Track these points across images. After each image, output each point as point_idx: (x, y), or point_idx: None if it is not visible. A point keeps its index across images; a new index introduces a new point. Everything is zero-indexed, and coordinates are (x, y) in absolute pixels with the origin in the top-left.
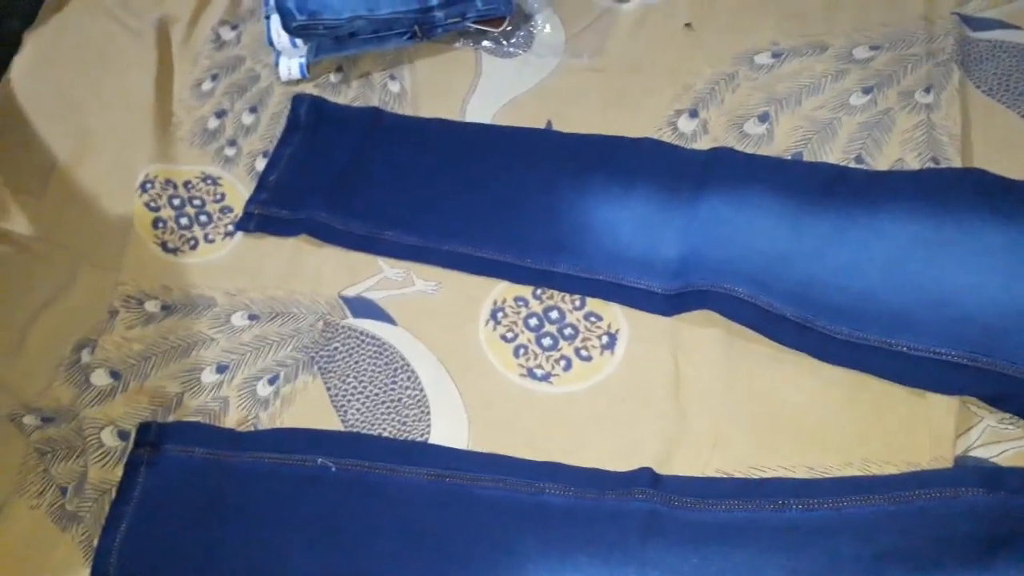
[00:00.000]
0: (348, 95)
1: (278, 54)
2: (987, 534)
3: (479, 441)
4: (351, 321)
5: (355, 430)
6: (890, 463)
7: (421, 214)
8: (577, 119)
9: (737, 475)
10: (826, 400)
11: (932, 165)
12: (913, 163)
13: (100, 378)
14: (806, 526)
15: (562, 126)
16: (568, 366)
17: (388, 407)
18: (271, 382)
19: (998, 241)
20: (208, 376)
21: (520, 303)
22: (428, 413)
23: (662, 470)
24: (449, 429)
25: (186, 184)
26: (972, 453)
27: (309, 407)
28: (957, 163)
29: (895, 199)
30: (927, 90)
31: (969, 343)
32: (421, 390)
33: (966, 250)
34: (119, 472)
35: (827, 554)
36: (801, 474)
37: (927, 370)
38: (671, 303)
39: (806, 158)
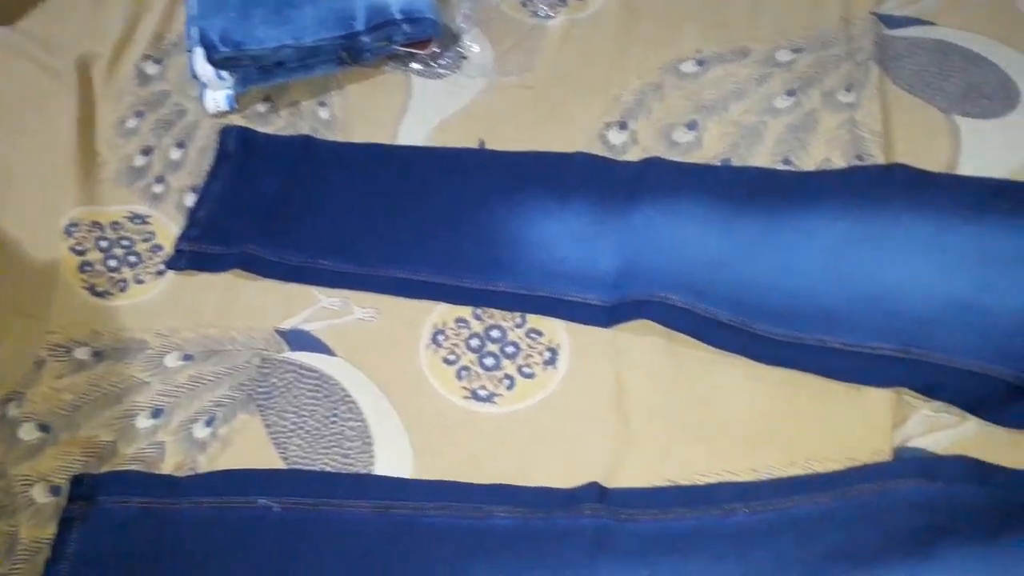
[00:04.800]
0: (278, 124)
1: (203, 87)
2: (927, 524)
3: (425, 468)
4: (289, 355)
5: (297, 467)
6: (832, 459)
7: (356, 241)
8: (509, 137)
9: (684, 483)
10: (767, 401)
11: (857, 163)
12: (839, 162)
13: (28, 432)
14: (753, 530)
15: (495, 144)
16: (512, 385)
17: (330, 440)
18: (208, 423)
19: (923, 234)
20: (143, 421)
21: (461, 324)
22: (371, 444)
23: (610, 483)
24: (393, 458)
25: (113, 225)
26: (910, 444)
27: (249, 447)
28: (881, 159)
29: (823, 198)
30: (848, 89)
31: (901, 336)
32: (363, 421)
33: (894, 244)
34: (52, 530)
35: (774, 557)
36: (746, 477)
37: (862, 364)
38: (610, 314)
39: (735, 163)
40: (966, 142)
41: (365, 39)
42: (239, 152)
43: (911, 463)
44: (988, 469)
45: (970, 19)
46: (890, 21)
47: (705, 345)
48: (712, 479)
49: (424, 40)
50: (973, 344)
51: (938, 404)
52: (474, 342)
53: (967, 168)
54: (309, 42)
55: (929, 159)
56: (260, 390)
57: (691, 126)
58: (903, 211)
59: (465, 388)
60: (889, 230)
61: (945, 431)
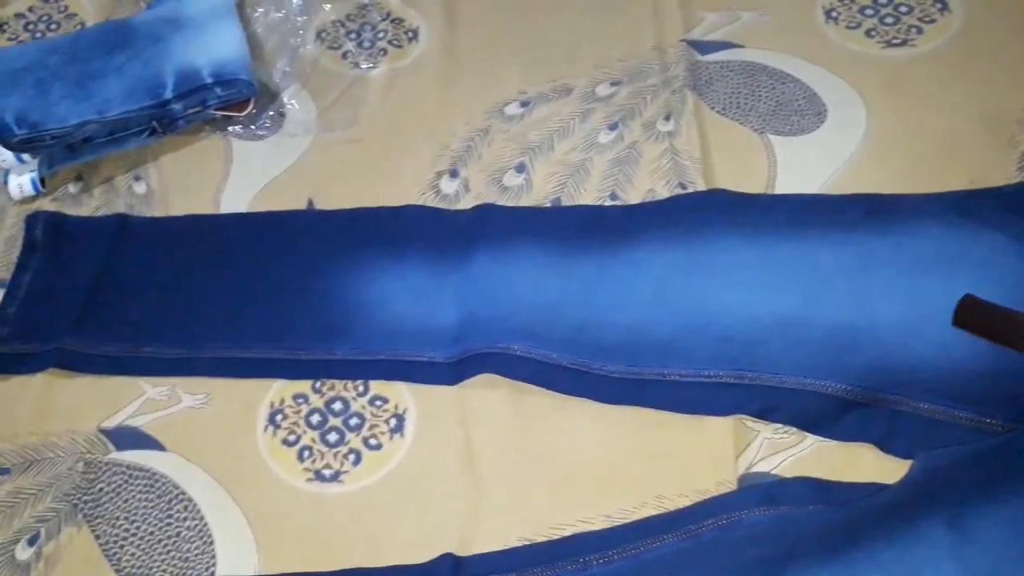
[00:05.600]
0: (91, 205)
1: (6, 172)
2: (774, 551)
3: (270, 562)
4: (115, 455)
5: None
6: (682, 495)
7: (181, 322)
8: (338, 194)
9: (540, 539)
10: (615, 442)
11: (680, 191)
12: (663, 192)
13: None
14: None
15: (324, 204)
16: (358, 460)
17: (166, 545)
18: (31, 542)
19: (746, 256)
20: None
21: (300, 400)
22: (211, 543)
23: (466, 550)
24: (236, 556)
25: None
26: (754, 469)
27: (78, 563)
28: (701, 185)
29: (650, 230)
30: (667, 118)
31: (734, 361)
32: (201, 519)
33: (719, 269)
34: None
35: None
36: (599, 525)
37: (701, 394)
38: (454, 371)
39: (564, 202)
40: (781, 160)
41: (176, 107)
42: (48, 239)
43: (753, 490)
44: (827, 486)
45: (776, 40)
46: (701, 47)
47: (551, 392)
48: (567, 531)
49: (241, 102)
50: (801, 361)
51: (777, 426)
52: (315, 418)
53: (784, 185)
54: (115, 115)
55: (748, 180)
56: (86, 498)
57: (520, 169)
58: (725, 235)
59: (308, 469)
60: (713, 255)
61: (786, 452)
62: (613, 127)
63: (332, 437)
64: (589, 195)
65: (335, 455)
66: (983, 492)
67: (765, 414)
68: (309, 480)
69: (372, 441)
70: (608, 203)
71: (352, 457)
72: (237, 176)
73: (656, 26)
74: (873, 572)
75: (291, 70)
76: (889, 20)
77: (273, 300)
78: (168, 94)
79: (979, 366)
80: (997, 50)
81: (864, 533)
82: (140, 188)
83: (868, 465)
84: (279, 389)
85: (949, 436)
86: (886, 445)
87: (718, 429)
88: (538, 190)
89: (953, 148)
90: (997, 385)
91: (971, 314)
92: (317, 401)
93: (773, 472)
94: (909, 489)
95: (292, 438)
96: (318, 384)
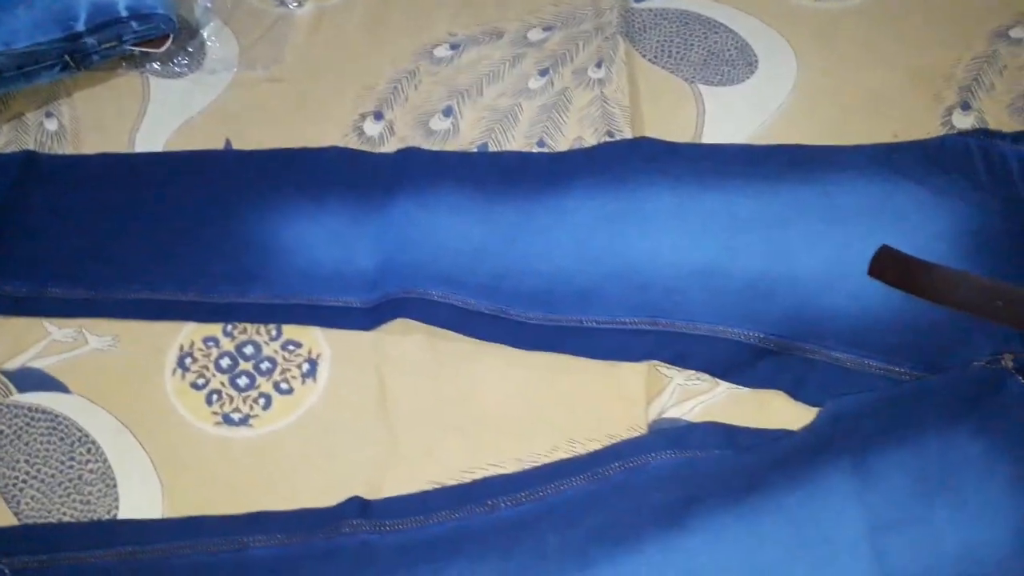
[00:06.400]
0: (0, 141)
1: None
2: (679, 494)
3: (176, 506)
4: (16, 398)
5: (30, 521)
6: (594, 439)
7: (89, 263)
8: (258, 135)
9: (450, 483)
10: (529, 387)
11: (608, 139)
12: (591, 139)
13: None
14: (514, 523)
15: (242, 144)
16: (268, 404)
17: (67, 487)
18: None
19: (668, 204)
20: None
21: (210, 344)
22: (114, 486)
23: (376, 494)
24: (140, 499)
25: None
26: (666, 415)
27: None
28: (628, 134)
29: (575, 178)
30: (599, 65)
31: (650, 308)
32: (104, 461)
33: (642, 218)
34: None
35: (535, 547)
36: (511, 468)
37: (616, 341)
38: (370, 317)
39: (491, 148)
40: (709, 110)
41: (89, 40)
42: None
43: (661, 435)
44: (734, 432)
45: None
46: None
47: (467, 337)
48: (478, 475)
49: (158, 37)
50: (717, 309)
51: (690, 372)
52: (224, 362)
53: (711, 136)
54: (22, 47)
55: (675, 129)
56: None
57: (447, 112)
58: (649, 184)
59: (216, 413)
60: (636, 204)
61: (698, 399)
62: (544, 72)
63: (242, 381)
64: (517, 141)
65: (244, 399)
66: (887, 438)
67: (678, 360)
68: (217, 424)
69: (283, 386)
70: (535, 150)
71: (262, 401)
72: (153, 114)
73: None
74: (777, 516)
75: (213, 6)
76: None
77: (186, 242)
78: (80, 27)
79: (891, 316)
80: (928, 7)
81: (768, 478)
82: (51, 125)
83: (778, 412)
84: (190, 332)
85: (859, 385)
86: (797, 393)
87: (632, 375)
88: (465, 135)
89: (880, 102)
90: (908, 335)
91: (887, 265)
92: (228, 345)
93: (684, 418)
94: (814, 435)
95: (201, 381)
96: (230, 328)
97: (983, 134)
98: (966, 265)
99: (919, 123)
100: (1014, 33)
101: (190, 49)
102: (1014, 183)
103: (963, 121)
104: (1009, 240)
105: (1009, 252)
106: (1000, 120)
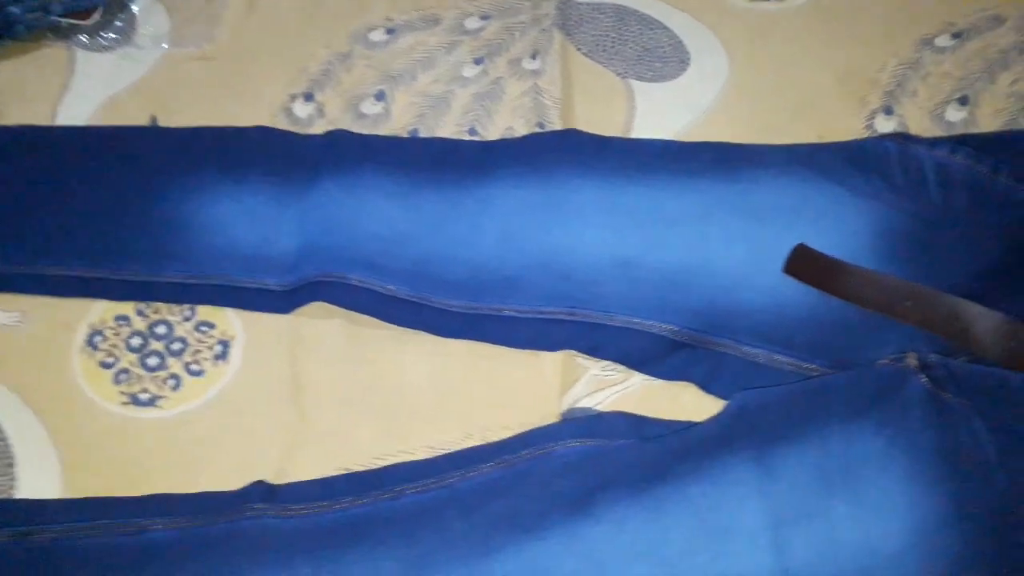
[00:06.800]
0: None
1: None
2: (585, 482)
3: (77, 486)
4: None
5: None
6: (507, 428)
7: None
8: (185, 113)
9: (360, 469)
10: (446, 375)
11: (538, 130)
12: (522, 130)
13: None
14: (419, 509)
15: (169, 121)
16: (178, 385)
17: None
18: None
19: (593, 197)
20: None
21: (121, 322)
22: (12, 464)
23: (282, 479)
24: (39, 479)
25: None
26: (580, 404)
27: None
28: (559, 126)
29: (503, 167)
30: (533, 56)
31: (569, 298)
32: (3, 439)
33: (566, 210)
34: None
35: (439, 533)
36: (422, 455)
37: (535, 330)
38: (287, 299)
39: (422, 134)
40: (640, 105)
41: (14, 9)
42: None
43: (570, 423)
44: (642, 422)
45: None
46: None
47: (387, 323)
48: (388, 461)
49: (86, 10)
50: (632, 301)
51: (605, 363)
52: (135, 341)
53: (640, 131)
54: None
55: (605, 123)
56: None
57: (379, 97)
58: (576, 176)
59: (124, 393)
60: (563, 196)
61: (611, 389)
62: (479, 61)
63: (152, 361)
64: (448, 128)
65: (153, 379)
66: (790, 432)
67: (594, 351)
68: (124, 404)
69: (194, 367)
70: (466, 138)
71: (172, 382)
72: (78, 88)
73: None
74: (680, 506)
75: None
76: None
77: (102, 218)
78: None
79: (804, 313)
80: (858, 11)
81: (672, 468)
82: None
83: (689, 404)
84: (102, 310)
85: (770, 379)
86: (708, 386)
87: (548, 365)
88: (396, 120)
89: (807, 103)
90: (819, 332)
91: (802, 263)
92: (140, 324)
93: (597, 408)
94: (719, 427)
95: (110, 360)
96: (143, 307)
97: (902, 138)
98: (879, 265)
99: (844, 125)
100: (939, 42)
101: (119, 23)
102: (928, 186)
103: (886, 125)
104: (920, 242)
105: (920, 253)
106: (921, 125)
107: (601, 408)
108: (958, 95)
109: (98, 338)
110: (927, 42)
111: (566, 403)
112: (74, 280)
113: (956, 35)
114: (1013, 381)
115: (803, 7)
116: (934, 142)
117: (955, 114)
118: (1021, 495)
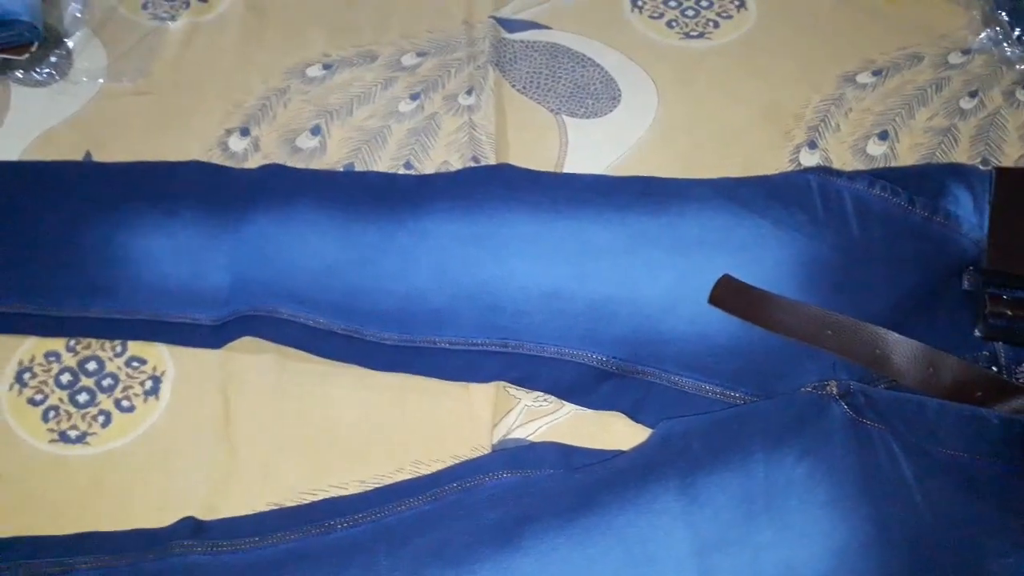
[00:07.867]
0: None
1: None
2: (513, 514)
3: (2, 525)
4: None
5: None
6: (439, 460)
7: None
8: (120, 148)
9: (290, 504)
10: (378, 409)
11: (473, 164)
12: (456, 164)
13: None
14: (349, 544)
15: (104, 156)
16: (107, 421)
17: None
18: None
19: (523, 231)
20: None
21: (51, 359)
22: None
23: (212, 515)
24: None
25: None
26: (512, 435)
27: None
28: (493, 160)
29: (437, 200)
30: (469, 92)
31: (500, 330)
32: None
33: (497, 242)
34: None
35: (366, 567)
36: (354, 490)
37: (466, 361)
38: (218, 334)
39: (357, 168)
40: (572, 140)
41: None
42: None
43: (500, 455)
44: (570, 451)
45: (581, 24)
46: (509, 25)
47: (318, 357)
48: (319, 496)
49: (22, 44)
50: (561, 332)
51: (537, 394)
52: (65, 377)
53: (572, 165)
54: None
55: (538, 158)
56: None
57: (315, 131)
58: (507, 209)
59: (52, 430)
60: (494, 228)
61: (543, 419)
62: (415, 97)
63: (82, 398)
64: (383, 163)
65: (83, 416)
66: (714, 460)
67: (524, 381)
68: (52, 441)
69: (124, 403)
70: (402, 172)
71: (101, 419)
72: (12, 123)
73: (467, 0)
74: (607, 536)
75: (84, 15)
76: (690, 13)
77: (31, 253)
78: None
79: (728, 342)
80: (784, 48)
81: (598, 498)
82: None
83: (619, 433)
84: (31, 347)
85: (696, 407)
86: (636, 415)
87: (480, 396)
88: (332, 154)
89: (733, 138)
90: (743, 361)
91: (727, 294)
92: (70, 360)
93: (529, 438)
94: (643, 456)
95: (39, 397)
96: (73, 343)
97: (823, 171)
98: (801, 295)
99: (769, 159)
100: (860, 78)
101: (54, 59)
102: (847, 218)
103: (810, 159)
104: (840, 272)
105: (840, 283)
106: (843, 159)
107: (533, 439)
108: (878, 130)
109: (27, 375)
110: (849, 79)
111: (498, 435)
112: (3, 316)
113: (876, 72)
114: (930, 406)
115: (730, 45)
116: (854, 175)
117: (876, 148)
118: (938, 517)
